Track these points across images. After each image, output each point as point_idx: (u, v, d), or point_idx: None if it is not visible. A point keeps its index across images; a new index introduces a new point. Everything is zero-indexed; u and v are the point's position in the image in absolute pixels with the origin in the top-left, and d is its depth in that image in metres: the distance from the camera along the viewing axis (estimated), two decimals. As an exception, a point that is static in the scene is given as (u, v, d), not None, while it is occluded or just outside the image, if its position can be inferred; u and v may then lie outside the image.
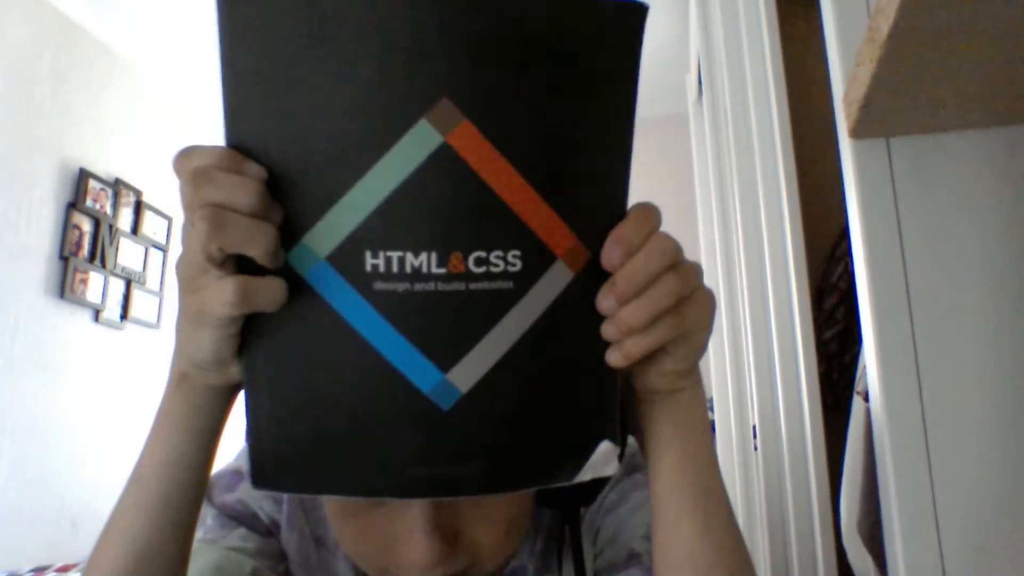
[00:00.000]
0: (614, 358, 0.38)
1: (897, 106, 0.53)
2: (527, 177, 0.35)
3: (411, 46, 0.33)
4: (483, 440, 0.38)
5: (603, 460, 0.40)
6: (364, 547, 0.46)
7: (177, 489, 0.40)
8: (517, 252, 0.36)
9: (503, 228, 0.36)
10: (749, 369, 1.48)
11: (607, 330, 0.38)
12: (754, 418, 1.44)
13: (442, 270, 0.35)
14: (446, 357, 0.37)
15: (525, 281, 0.36)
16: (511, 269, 0.36)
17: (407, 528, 0.43)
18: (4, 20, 2.50)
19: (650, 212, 0.38)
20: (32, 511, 2.48)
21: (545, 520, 0.58)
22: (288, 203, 0.35)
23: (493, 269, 0.36)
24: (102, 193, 2.89)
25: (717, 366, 2.24)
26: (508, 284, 0.36)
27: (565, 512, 0.57)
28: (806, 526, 1.18)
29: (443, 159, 0.34)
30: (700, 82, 2.24)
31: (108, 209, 2.92)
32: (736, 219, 1.56)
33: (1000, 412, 0.53)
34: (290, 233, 0.35)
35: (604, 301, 0.37)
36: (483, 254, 0.35)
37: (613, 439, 0.40)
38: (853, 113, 0.54)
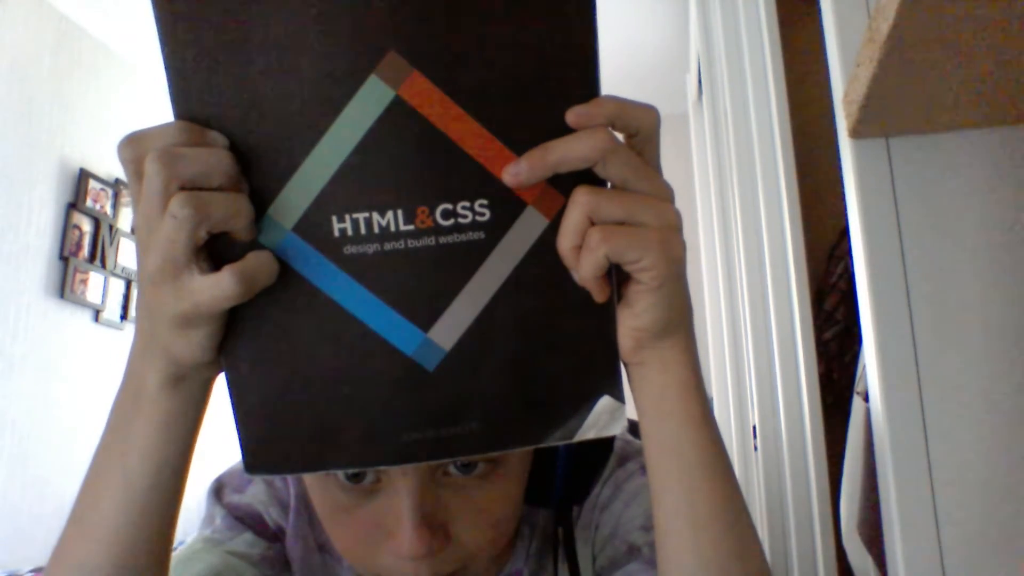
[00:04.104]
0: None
1: (897, 106, 0.53)
2: (484, 123, 0.35)
3: (351, 3, 0.33)
4: (473, 398, 0.37)
5: (605, 417, 0.38)
6: (357, 547, 0.46)
7: (168, 491, 0.38)
8: (484, 201, 0.35)
9: (466, 178, 0.35)
10: (749, 369, 1.48)
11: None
12: (754, 418, 1.44)
13: (410, 227, 0.35)
14: (425, 316, 0.36)
15: (496, 230, 0.36)
16: (480, 219, 0.35)
17: (395, 522, 0.43)
18: (4, 20, 2.50)
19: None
20: (32, 511, 2.48)
21: (539, 522, 0.58)
22: (248, 177, 0.34)
23: (461, 221, 0.35)
24: (102, 193, 2.89)
25: (717, 366, 2.24)
26: (479, 235, 0.36)
27: (557, 511, 0.56)
28: (806, 526, 1.18)
29: (397, 113, 0.34)
30: (700, 82, 2.24)
31: (108, 209, 2.92)
32: (736, 219, 1.56)
33: (1000, 412, 0.53)
34: (254, 207, 0.35)
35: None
36: (449, 206, 0.35)
37: (614, 395, 0.39)
38: (853, 113, 0.54)
